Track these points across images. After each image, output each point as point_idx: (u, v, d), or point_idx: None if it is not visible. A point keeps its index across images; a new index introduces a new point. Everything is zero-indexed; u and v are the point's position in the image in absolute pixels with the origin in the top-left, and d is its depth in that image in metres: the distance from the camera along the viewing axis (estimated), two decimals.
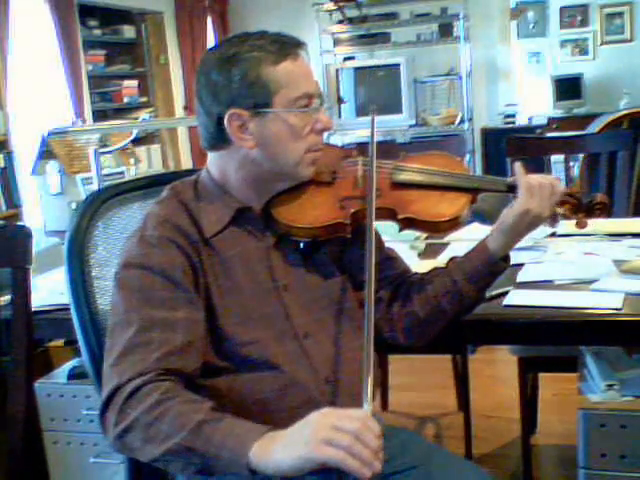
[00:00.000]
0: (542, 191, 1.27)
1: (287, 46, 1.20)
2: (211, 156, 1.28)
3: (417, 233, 2.06)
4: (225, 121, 1.19)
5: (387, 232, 1.50)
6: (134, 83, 5.99)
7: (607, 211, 1.35)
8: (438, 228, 1.32)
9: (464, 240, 1.39)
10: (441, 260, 1.65)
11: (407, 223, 1.31)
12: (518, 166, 1.31)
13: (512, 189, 1.31)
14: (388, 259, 1.39)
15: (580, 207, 1.33)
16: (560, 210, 1.32)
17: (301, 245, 1.30)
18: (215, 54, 1.21)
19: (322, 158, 1.29)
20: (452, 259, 1.36)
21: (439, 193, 1.32)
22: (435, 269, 1.38)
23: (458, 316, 1.35)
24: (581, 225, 1.34)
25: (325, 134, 1.28)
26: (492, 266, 1.30)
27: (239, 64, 1.17)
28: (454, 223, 1.30)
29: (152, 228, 1.20)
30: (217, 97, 1.19)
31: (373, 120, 1.39)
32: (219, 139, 1.22)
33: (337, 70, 6.45)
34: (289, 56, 1.19)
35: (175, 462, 1.03)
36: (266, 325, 1.22)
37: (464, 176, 1.35)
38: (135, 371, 1.08)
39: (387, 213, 1.30)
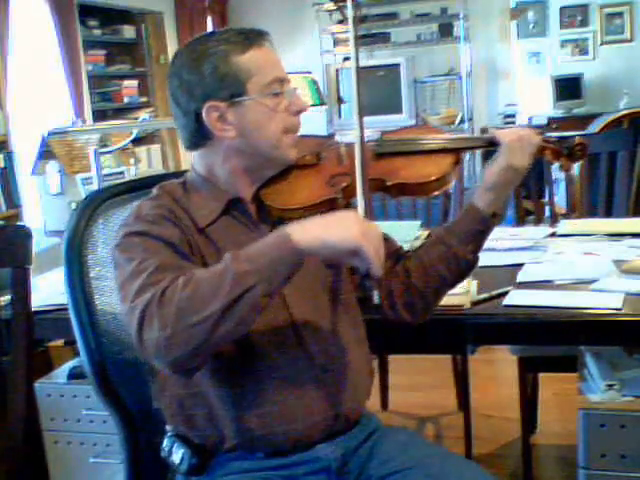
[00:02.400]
0: (522, 143, 1.30)
1: (251, 36, 1.23)
2: (195, 155, 1.29)
3: (417, 233, 2.07)
4: (203, 115, 1.21)
5: (387, 232, 1.50)
6: (134, 83, 5.98)
7: (587, 151, 1.39)
8: (428, 189, 1.34)
9: None
10: None
11: (398, 190, 1.33)
12: (494, 130, 1.34)
13: (492, 144, 1.34)
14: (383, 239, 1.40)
15: (560, 152, 1.37)
16: (543, 156, 1.37)
17: None
18: (183, 56, 1.24)
19: (305, 145, 1.32)
20: (441, 226, 1.38)
21: (423, 157, 1.35)
22: (427, 239, 1.40)
23: (455, 283, 1.37)
24: (566, 168, 1.39)
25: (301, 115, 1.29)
26: (483, 224, 1.32)
27: (208, 59, 1.20)
28: (443, 182, 1.33)
29: (147, 209, 1.21)
30: (192, 94, 1.21)
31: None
32: (200, 136, 1.24)
33: (337, 70, 6.45)
34: (254, 45, 1.22)
35: (239, 304, 1.02)
36: (264, 315, 1.22)
37: (445, 139, 1.38)
38: (155, 291, 1.05)
39: (376, 184, 1.32)
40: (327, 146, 1.37)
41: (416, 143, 1.36)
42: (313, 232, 1.07)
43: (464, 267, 1.35)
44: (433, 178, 1.32)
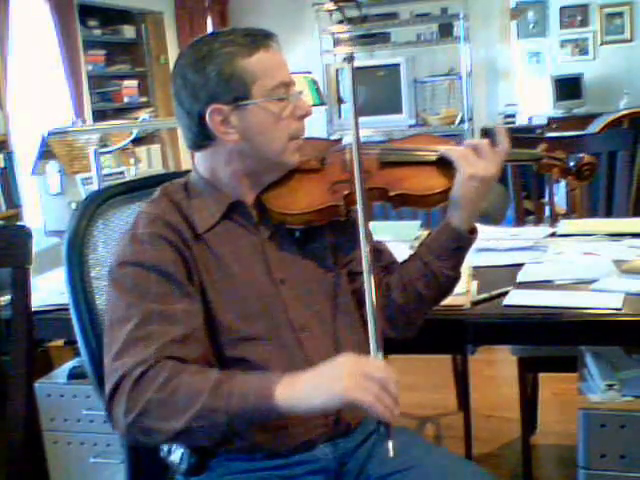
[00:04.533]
0: (478, 152, 1.27)
1: (258, 38, 1.21)
2: (198, 156, 1.29)
3: (417, 233, 2.07)
4: (207, 118, 1.20)
5: (387, 232, 1.50)
6: (134, 83, 5.98)
7: (595, 171, 1.38)
8: (430, 201, 1.33)
9: None
10: None
11: (400, 201, 1.31)
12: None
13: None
14: (376, 251, 1.39)
15: (569, 170, 1.37)
16: (550, 174, 1.37)
17: (297, 234, 1.30)
18: (188, 55, 1.23)
19: (309, 148, 1.30)
20: (421, 243, 1.36)
21: (427, 168, 1.33)
22: (410, 255, 1.38)
23: (437, 299, 1.36)
24: (572, 187, 1.38)
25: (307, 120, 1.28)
26: (458, 241, 1.30)
27: (213, 61, 1.19)
28: (445, 195, 1.30)
29: (143, 226, 1.21)
30: (196, 96, 1.21)
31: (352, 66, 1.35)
32: (203, 138, 1.23)
33: (337, 70, 6.45)
34: (261, 47, 1.21)
35: (198, 431, 1.05)
36: (264, 319, 1.23)
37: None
38: (137, 361, 1.08)
39: (378, 193, 1.31)
40: (332, 151, 1.36)
41: (420, 152, 1.34)
42: (298, 393, 1.04)
43: (444, 283, 1.33)
44: (435, 192, 1.30)
